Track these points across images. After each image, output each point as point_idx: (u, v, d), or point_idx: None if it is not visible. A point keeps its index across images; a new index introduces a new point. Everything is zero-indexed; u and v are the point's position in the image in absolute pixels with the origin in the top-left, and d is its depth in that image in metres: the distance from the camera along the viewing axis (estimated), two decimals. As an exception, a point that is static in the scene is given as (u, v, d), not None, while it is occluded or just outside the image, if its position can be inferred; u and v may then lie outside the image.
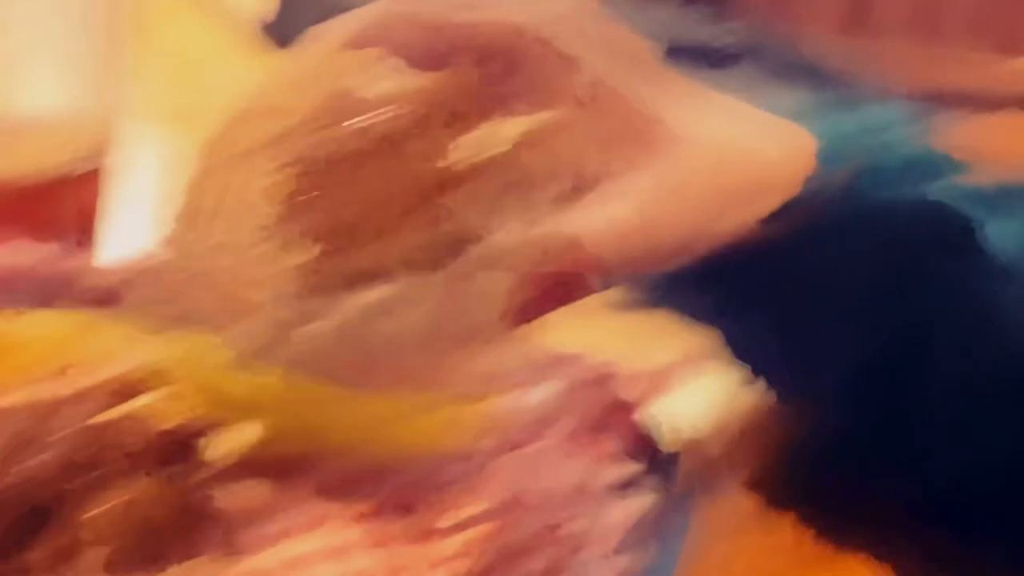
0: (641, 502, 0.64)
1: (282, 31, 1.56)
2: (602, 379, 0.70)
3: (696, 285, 0.71)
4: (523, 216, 0.54)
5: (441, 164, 0.52)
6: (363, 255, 0.52)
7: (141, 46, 1.51)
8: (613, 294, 0.81)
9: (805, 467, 0.75)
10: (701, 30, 1.34)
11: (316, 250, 0.52)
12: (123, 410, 0.56)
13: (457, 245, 0.52)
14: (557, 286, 0.56)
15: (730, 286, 0.70)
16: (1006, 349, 0.71)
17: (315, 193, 0.52)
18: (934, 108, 2.11)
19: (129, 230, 1.02)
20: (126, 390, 0.57)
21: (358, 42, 0.59)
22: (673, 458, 0.66)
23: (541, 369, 0.71)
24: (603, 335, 0.81)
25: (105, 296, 0.72)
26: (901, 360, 0.71)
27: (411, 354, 0.53)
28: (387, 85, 0.55)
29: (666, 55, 1.24)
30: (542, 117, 0.56)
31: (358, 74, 0.55)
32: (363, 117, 0.53)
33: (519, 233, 0.54)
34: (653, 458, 0.66)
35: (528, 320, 0.56)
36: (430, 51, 0.59)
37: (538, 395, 0.70)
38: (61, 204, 0.86)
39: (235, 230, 0.53)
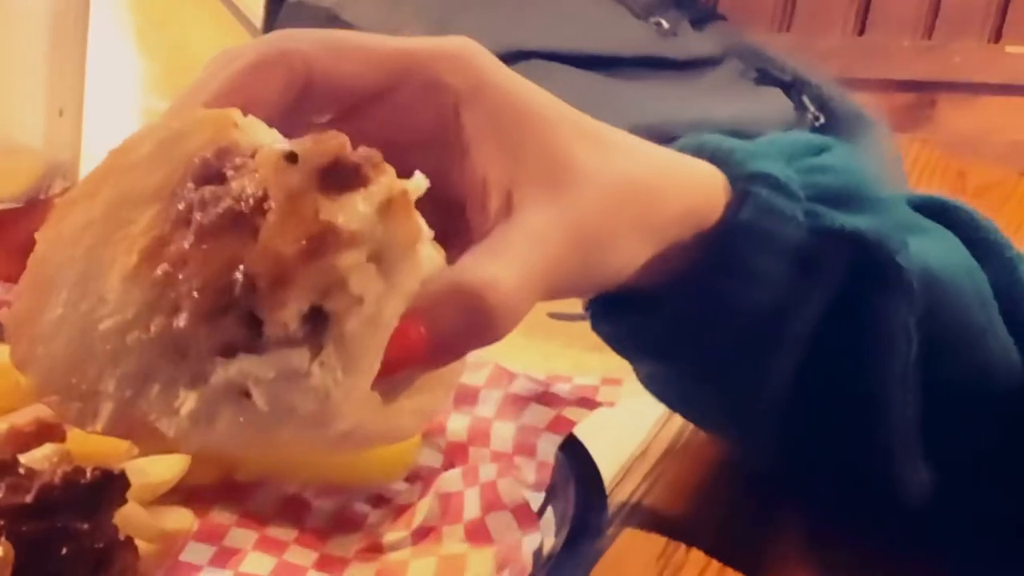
0: (550, 533, 0.64)
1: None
2: (530, 398, 0.70)
3: (612, 316, 0.71)
4: (410, 276, 0.51)
5: (309, 234, 0.48)
6: (233, 325, 0.48)
7: (143, 53, 1.53)
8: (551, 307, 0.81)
9: (714, 501, 0.75)
10: (672, 39, 1.34)
11: (181, 320, 0.48)
12: (29, 457, 0.57)
13: (332, 314, 0.49)
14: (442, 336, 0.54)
15: (643, 320, 0.69)
16: (930, 383, 0.70)
17: (177, 261, 0.49)
18: (919, 104, 2.07)
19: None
20: (26, 439, 0.58)
21: (230, 95, 0.56)
22: (585, 488, 0.66)
23: (474, 390, 0.72)
24: (535, 351, 0.82)
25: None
26: (819, 397, 0.70)
27: (299, 428, 0.49)
28: (256, 144, 0.51)
29: (630, 64, 1.25)
30: (420, 179, 0.53)
31: (225, 137, 0.51)
32: (228, 185, 0.50)
33: (405, 291, 0.50)
34: (564, 488, 0.66)
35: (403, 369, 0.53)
36: (304, 104, 0.57)
37: (466, 419, 0.71)
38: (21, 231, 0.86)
39: (85, 298, 0.50)
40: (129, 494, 0.58)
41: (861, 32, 2.13)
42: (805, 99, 1.25)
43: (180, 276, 0.48)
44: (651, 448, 0.81)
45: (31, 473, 0.56)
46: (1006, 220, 0.90)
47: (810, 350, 0.69)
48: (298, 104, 0.58)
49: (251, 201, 0.49)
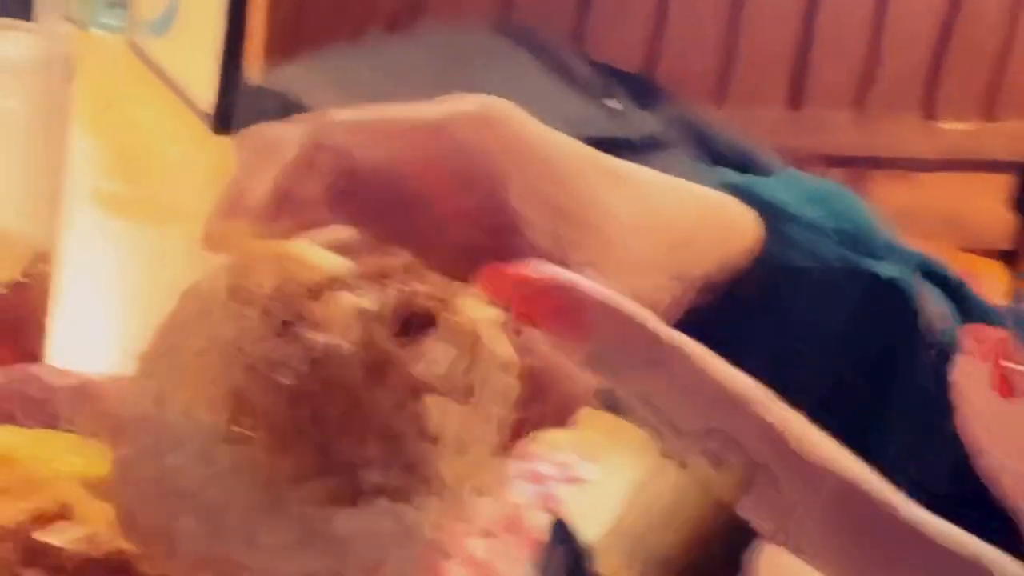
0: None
1: (240, 121, 1.58)
2: (514, 476, 0.73)
3: None
4: (497, 402, 0.50)
5: (394, 388, 0.48)
6: (332, 482, 0.48)
7: (91, 135, 1.54)
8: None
9: (722, 551, 0.76)
10: (623, 119, 1.37)
11: (278, 477, 0.48)
12: (45, 538, 0.58)
13: (425, 458, 0.48)
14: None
15: None
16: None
17: (263, 418, 0.48)
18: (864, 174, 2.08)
19: (85, 331, 1.04)
20: (42, 521, 0.59)
21: (279, 202, 0.56)
22: (572, 562, 0.67)
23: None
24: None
25: (46, 414, 0.74)
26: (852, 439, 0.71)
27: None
28: (318, 269, 0.51)
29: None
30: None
31: (288, 275, 0.50)
32: (303, 344, 0.49)
33: (493, 416, 0.50)
34: (557, 556, 0.68)
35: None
36: (349, 189, 0.57)
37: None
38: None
39: (181, 444, 0.49)
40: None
41: (795, 107, 2.16)
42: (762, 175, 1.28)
43: (264, 436, 0.48)
44: (628, 521, 0.82)
45: (66, 554, 0.58)
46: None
47: (839, 403, 0.66)
48: (344, 190, 0.58)
49: (330, 361, 0.48)
